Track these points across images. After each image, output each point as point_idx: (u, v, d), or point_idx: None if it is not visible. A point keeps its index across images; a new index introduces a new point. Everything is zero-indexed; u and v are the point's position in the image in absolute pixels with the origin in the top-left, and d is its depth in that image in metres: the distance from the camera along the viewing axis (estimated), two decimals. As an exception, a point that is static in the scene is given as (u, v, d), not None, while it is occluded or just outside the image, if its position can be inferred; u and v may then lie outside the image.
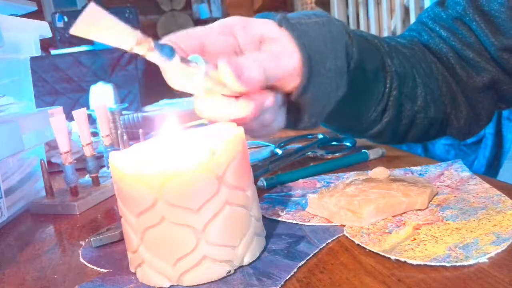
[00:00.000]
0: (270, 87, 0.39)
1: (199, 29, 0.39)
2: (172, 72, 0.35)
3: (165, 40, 0.37)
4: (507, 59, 0.54)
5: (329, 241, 0.35)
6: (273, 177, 0.50)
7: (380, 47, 0.52)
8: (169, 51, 0.32)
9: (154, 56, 0.31)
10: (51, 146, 0.78)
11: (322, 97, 0.42)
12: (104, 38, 0.29)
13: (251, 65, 0.36)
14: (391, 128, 0.54)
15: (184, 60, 0.33)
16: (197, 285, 0.31)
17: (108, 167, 0.61)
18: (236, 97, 0.37)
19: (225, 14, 3.63)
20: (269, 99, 0.38)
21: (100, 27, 0.28)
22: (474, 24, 0.54)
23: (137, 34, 0.30)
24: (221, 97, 0.37)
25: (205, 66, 0.34)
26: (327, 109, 0.43)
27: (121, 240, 0.40)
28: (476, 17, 0.54)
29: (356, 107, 0.50)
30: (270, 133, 0.42)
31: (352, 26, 2.66)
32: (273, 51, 0.39)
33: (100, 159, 0.60)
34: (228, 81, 0.34)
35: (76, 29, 0.28)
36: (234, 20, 0.40)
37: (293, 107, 0.42)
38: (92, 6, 0.27)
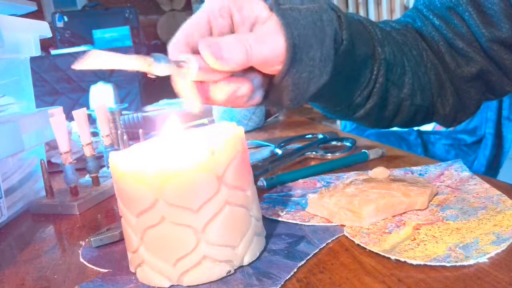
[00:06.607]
0: (253, 68, 0.39)
1: (201, 16, 0.39)
2: (171, 77, 0.37)
3: (175, 40, 0.38)
4: (497, 51, 0.54)
5: (329, 241, 0.35)
6: (273, 177, 0.50)
7: (373, 34, 0.52)
8: (166, 60, 0.33)
9: (160, 69, 0.33)
10: (51, 146, 0.78)
11: (303, 83, 0.42)
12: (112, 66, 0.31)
13: (233, 45, 0.36)
14: (376, 113, 0.54)
15: (177, 63, 0.35)
16: (197, 285, 0.31)
17: (108, 167, 0.61)
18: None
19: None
20: (245, 86, 0.38)
21: (103, 64, 0.30)
22: (466, 14, 0.55)
23: (139, 57, 0.32)
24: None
25: (196, 63, 0.35)
26: (308, 93, 0.43)
27: (121, 240, 0.40)
28: (469, 7, 0.54)
29: (341, 91, 0.51)
30: (242, 107, 0.42)
31: (352, 26, 2.65)
32: (260, 34, 0.39)
33: (100, 159, 0.60)
34: (209, 62, 0.35)
35: (79, 67, 0.30)
36: (230, 0, 0.41)
37: (276, 87, 0.42)
38: (93, 53, 0.30)
